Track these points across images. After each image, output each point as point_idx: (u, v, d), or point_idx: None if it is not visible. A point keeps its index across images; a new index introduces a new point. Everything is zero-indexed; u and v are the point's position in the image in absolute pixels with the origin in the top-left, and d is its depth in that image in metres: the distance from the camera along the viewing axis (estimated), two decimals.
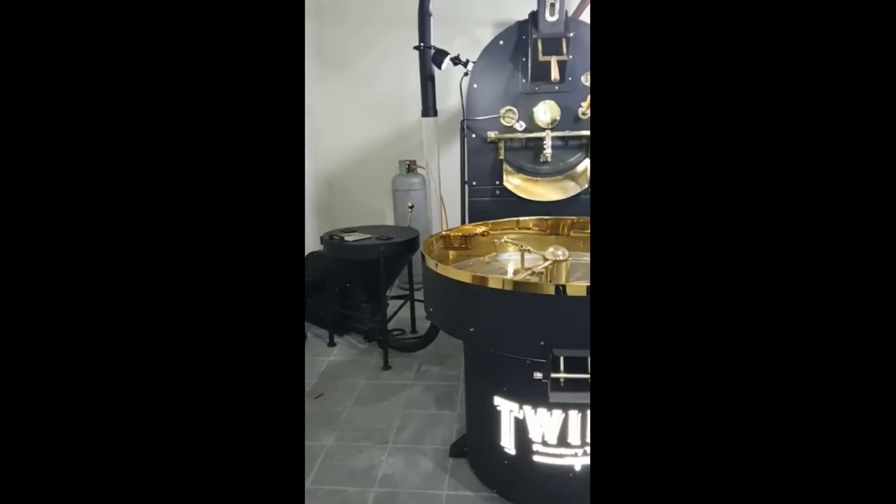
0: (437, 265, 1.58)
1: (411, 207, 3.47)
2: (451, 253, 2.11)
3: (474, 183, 2.36)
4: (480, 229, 2.14)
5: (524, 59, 2.17)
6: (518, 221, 2.13)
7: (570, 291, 1.35)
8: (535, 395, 1.52)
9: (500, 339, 1.48)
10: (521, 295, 1.40)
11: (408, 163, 3.79)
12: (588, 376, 1.35)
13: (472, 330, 1.50)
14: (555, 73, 1.95)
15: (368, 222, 3.55)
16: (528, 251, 2.01)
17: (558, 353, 1.36)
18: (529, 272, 1.71)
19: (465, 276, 1.50)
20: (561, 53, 2.00)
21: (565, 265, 1.78)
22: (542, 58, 2.01)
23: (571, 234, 2.15)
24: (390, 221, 3.93)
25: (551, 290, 1.38)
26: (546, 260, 1.79)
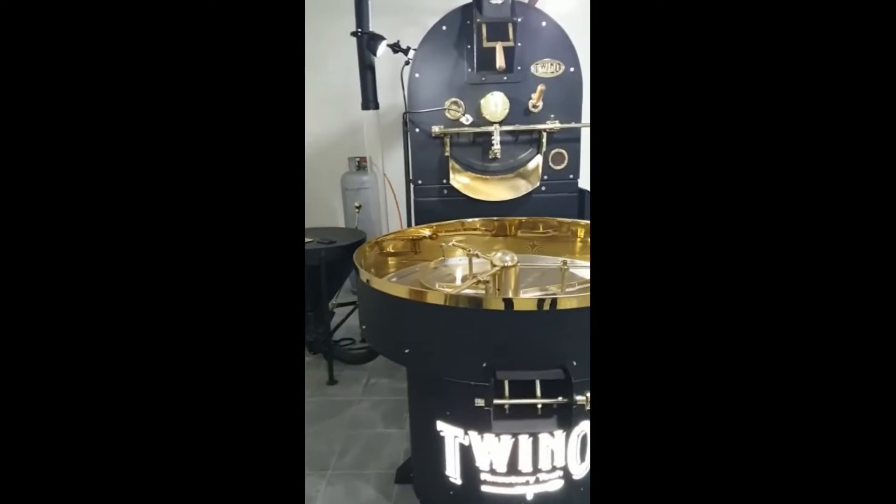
0: (368, 278, 1.39)
1: (358, 208, 3.26)
2: (393, 260, 1.92)
3: (420, 182, 2.18)
4: (425, 232, 1.96)
5: (469, 47, 2.00)
6: (463, 223, 1.97)
7: (517, 306, 1.18)
8: (480, 421, 1.35)
9: (436, 361, 1.31)
10: (460, 311, 1.22)
11: (357, 160, 3.56)
12: (537, 401, 1.19)
13: (406, 351, 1.32)
14: (500, 61, 1.78)
15: (320, 223, 3.32)
16: (476, 255, 1.85)
17: (502, 377, 1.19)
18: (475, 281, 1.54)
19: (398, 290, 1.31)
20: (507, 39, 1.84)
21: (514, 271, 1.62)
22: (486, 44, 1.84)
23: (519, 234, 2.00)
24: (343, 223, 3.71)
25: (498, 305, 1.21)
26: (493, 266, 1.63)
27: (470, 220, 1.97)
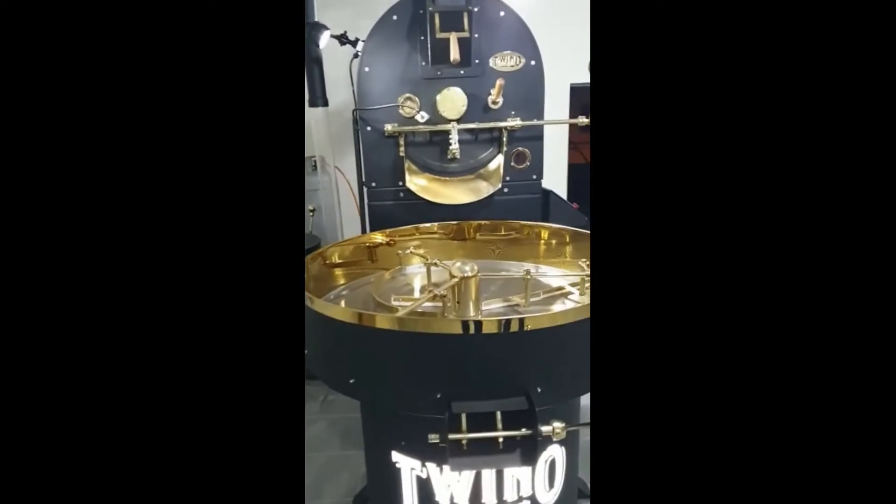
0: (309, 297, 1.23)
1: (312, 211, 3.07)
2: (344, 271, 1.76)
3: (374, 184, 2.02)
4: (377, 238, 1.80)
5: (423, 38, 1.85)
6: (418, 228, 1.82)
7: (474, 328, 1.05)
8: (438, 453, 1.21)
9: (385, 392, 1.16)
10: (409, 336, 1.08)
11: (313, 160, 3.34)
12: (498, 434, 1.06)
13: (351, 381, 1.17)
14: (454, 53, 1.64)
15: None
16: (435, 264, 1.71)
17: (459, 409, 1.06)
18: (431, 295, 1.40)
19: (338, 313, 1.16)
20: (462, 29, 1.70)
21: (474, 282, 1.49)
22: (439, 34, 1.70)
23: (479, 237, 1.87)
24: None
25: (452, 328, 1.07)
26: (452, 277, 1.49)
27: (426, 224, 1.83)
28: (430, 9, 1.70)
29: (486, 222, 1.86)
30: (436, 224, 1.83)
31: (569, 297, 1.63)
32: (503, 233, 1.86)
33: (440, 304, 1.48)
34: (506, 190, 2.03)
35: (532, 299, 1.58)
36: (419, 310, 1.43)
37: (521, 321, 1.06)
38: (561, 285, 1.66)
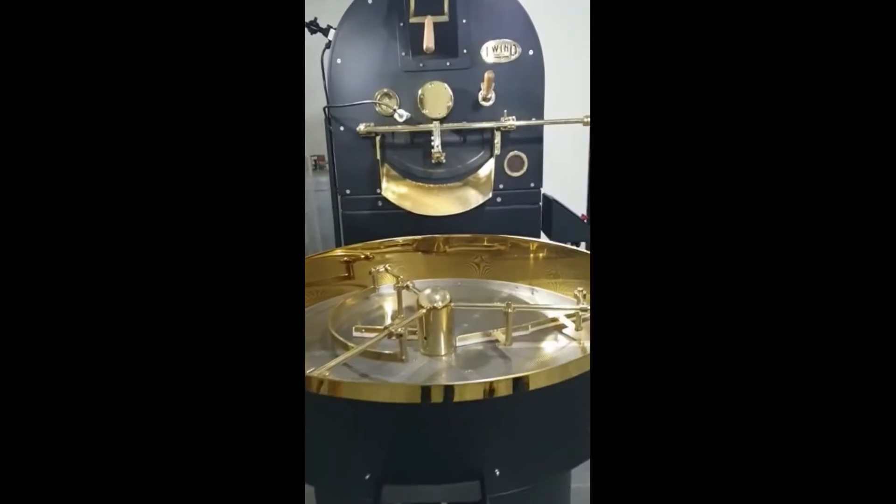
0: None
1: None
2: (315, 289, 1.53)
3: (348, 191, 1.78)
4: (338, 253, 1.56)
5: (402, 24, 1.60)
6: (382, 242, 1.58)
7: (409, 396, 0.80)
8: None
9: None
10: (331, 400, 0.83)
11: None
12: None
13: None
14: (428, 41, 1.38)
15: None
16: (407, 287, 1.46)
17: (391, 496, 0.81)
18: (386, 333, 1.15)
19: None
20: (440, 13, 1.44)
21: (445, 314, 1.24)
22: (412, 18, 1.45)
23: (451, 250, 1.61)
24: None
25: (386, 395, 0.82)
26: (419, 308, 1.24)
27: (391, 238, 1.58)
28: None
29: (461, 236, 1.61)
30: (400, 238, 1.58)
31: (563, 330, 1.36)
32: (486, 244, 1.60)
33: (409, 337, 1.24)
34: (499, 199, 1.77)
35: (518, 333, 1.32)
36: (375, 349, 1.19)
37: (490, 387, 0.80)
38: (555, 317, 1.39)
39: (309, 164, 3.33)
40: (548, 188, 1.95)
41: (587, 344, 1.29)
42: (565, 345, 1.28)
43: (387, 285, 1.65)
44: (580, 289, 1.34)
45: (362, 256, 1.61)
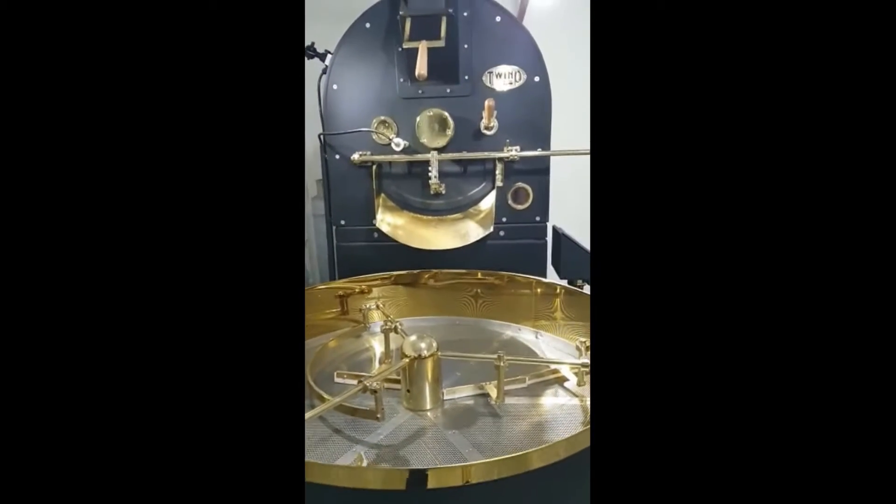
0: None
1: None
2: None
3: (342, 222, 1.69)
4: (320, 287, 1.46)
5: (400, 50, 1.52)
6: (367, 277, 1.47)
7: (374, 482, 0.68)
8: None
9: None
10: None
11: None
12: None
13: None
14: (420, 67, 1.29)
15: None
16: (395, 330, 1.35)
17: None
18: (361, 387, 1.04)
19: None
20: (437, 37, 1.36)
21: (430, 364, 1.12)
22: (405, 44, 1.36)
23: (432, 283, 1.50)
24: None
25: (345, 479, 0.71)
26: (403, 357, 1.13)
27: (374, 274, 1.47)
28: (402, 13, 1.38)
29: (449, 271, 1.50)
30: (381, 274, 1.47)
31: (564, 384, 1.23)
32: (480, 277, 1.48)
33: (392, 388, 1.12)
34: (502, 233, 1.66)
35: (514, 386, 1.19)
36: (351, 403, 1.08)
37: (466, 470, 0.68)
38: (556, 368, 1.26)
39: (313, 188, 3.29)
40: (558, 222, 1.84)
41: (589, 402, 1.15)
42: (565, 402, 1.14)
43: (378, 322, 1.54)
44: (582, 339, 1.21)
45: (340, 293, 1.51)
